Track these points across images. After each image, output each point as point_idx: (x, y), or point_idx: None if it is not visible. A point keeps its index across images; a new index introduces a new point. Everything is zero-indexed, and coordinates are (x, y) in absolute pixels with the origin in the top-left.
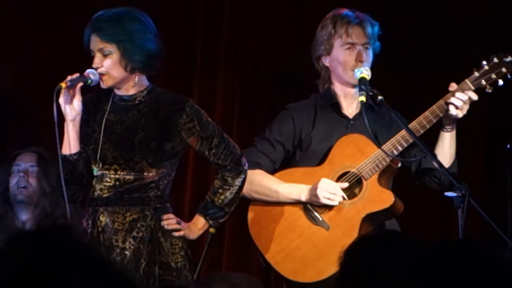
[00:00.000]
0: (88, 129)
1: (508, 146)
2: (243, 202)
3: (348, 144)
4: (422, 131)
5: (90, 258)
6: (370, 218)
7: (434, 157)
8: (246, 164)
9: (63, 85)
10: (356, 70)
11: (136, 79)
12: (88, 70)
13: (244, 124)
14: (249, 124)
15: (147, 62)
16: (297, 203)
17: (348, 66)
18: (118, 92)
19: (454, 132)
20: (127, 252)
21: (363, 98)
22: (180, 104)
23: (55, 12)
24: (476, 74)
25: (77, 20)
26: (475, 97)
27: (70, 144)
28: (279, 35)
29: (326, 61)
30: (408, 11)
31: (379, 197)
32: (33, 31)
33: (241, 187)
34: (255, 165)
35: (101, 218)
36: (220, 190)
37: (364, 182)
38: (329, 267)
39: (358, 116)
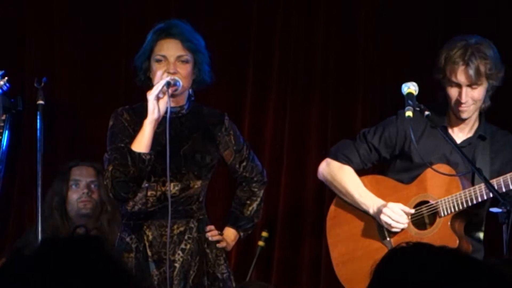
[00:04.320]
0: (132, 139)
1: None
2: (294, 214)
3: (441, 174)
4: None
5: (116, 271)
6: None
7: (480, 172)
8: (267, 176)
9: (171, 81)
10: (403, 85)
11: (188, 92)
12: (168, 77)
13: (295, 139)
14: (300, 139)
15: (206, 78)
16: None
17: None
18: None
19: None
20: (176, 265)
21: (409, 113)
22: (219, 117)
23: (111, 29)
24: None
25: (132, 37)
26: None
27: (147, 143)
28: (330, 49)
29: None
30: None
31: (443, 240)
32: (88, 47)
33: (263, 198)
34: (346, 161)
35: (147, 232)
36: (248, 202)
37: (438, 218)
38: None
39: (465, 143)
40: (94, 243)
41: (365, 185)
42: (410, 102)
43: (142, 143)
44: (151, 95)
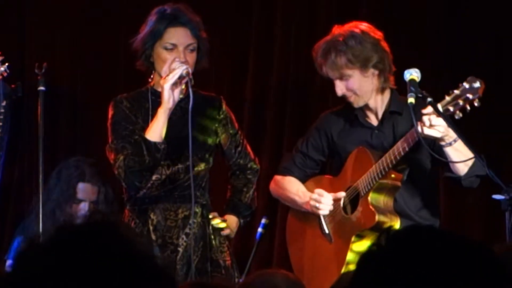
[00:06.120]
0: (136, 126)
1: None
2: None
3: (357, 156)
4: (398, 158)
5: (139, 254)
6: (362, 236)
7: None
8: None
9: (188, 70)
10: (406, 72)
11: None
12: (181, 64)
13: (296, 125)
14: (301, 125)
15: (205, 63)
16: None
17: None
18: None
19: (455, 145)
20: (180, 249)
21: (412, 100)
22: (217, 101)
23: (111, 14)
24: (448, 98)
25: (132, 22)
26: (437, 122)
27: (161, 132)
28: None
29: None
30: None
31: (365, 217)
32: (88, 32)
33: (256, 186)
34: (286, 172)
35: (151, 216)
36: (245, 189)
37: (360, 198)
38: (326, 282)
39: (381, 125)
40: (111, 227)
41: (309, 187)
42: (412, 88)
43: (156, 132)
44: (166, 84)
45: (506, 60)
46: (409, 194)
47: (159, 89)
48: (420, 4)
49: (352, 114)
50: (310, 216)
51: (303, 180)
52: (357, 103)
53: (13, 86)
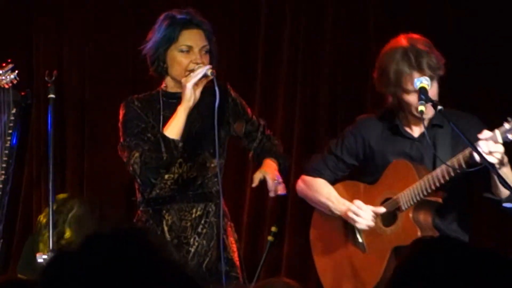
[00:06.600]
0: (148, 124)
1: None
2: (303, 208)
3: (398, 168)
4: (447, 178)
5: (166, 261)
6: (400, 251)
7: (491, 165)
8: None
9: (213, 71)
10: (416, 79)
11: None
12: (207, 66)
13: (305, 133)
14: (309, 133)
15: (215, 66)
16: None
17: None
18: (172, 89)
19: (503, 169)
20: (191, 249)
21: (422, 108)
22: (224, 88)
23: (119, 21)
24: (507, 126)
25: (139, 30)
26: (495, 148)
27: (180, 130)
28: (341, 42)
29: None
30: None
31: (405, 232)
32: (97, 40)
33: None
34: (316, 173)
35: (166, 216)
36: (274, 148)
37: (399, 213)
38: None
39: (420, 137)
40: (139, 234)
41: (340, 192)
42: (422, 96)
43: (175, 129)
44: (189, 83)
45: (506, 60)
46: (443, 208)
47: (171, 91)
48: (420, 4)
49: (392, 122)
50: (339, 220)
51: (332, 183)
52: (428, 112)
53: (23, 93)
